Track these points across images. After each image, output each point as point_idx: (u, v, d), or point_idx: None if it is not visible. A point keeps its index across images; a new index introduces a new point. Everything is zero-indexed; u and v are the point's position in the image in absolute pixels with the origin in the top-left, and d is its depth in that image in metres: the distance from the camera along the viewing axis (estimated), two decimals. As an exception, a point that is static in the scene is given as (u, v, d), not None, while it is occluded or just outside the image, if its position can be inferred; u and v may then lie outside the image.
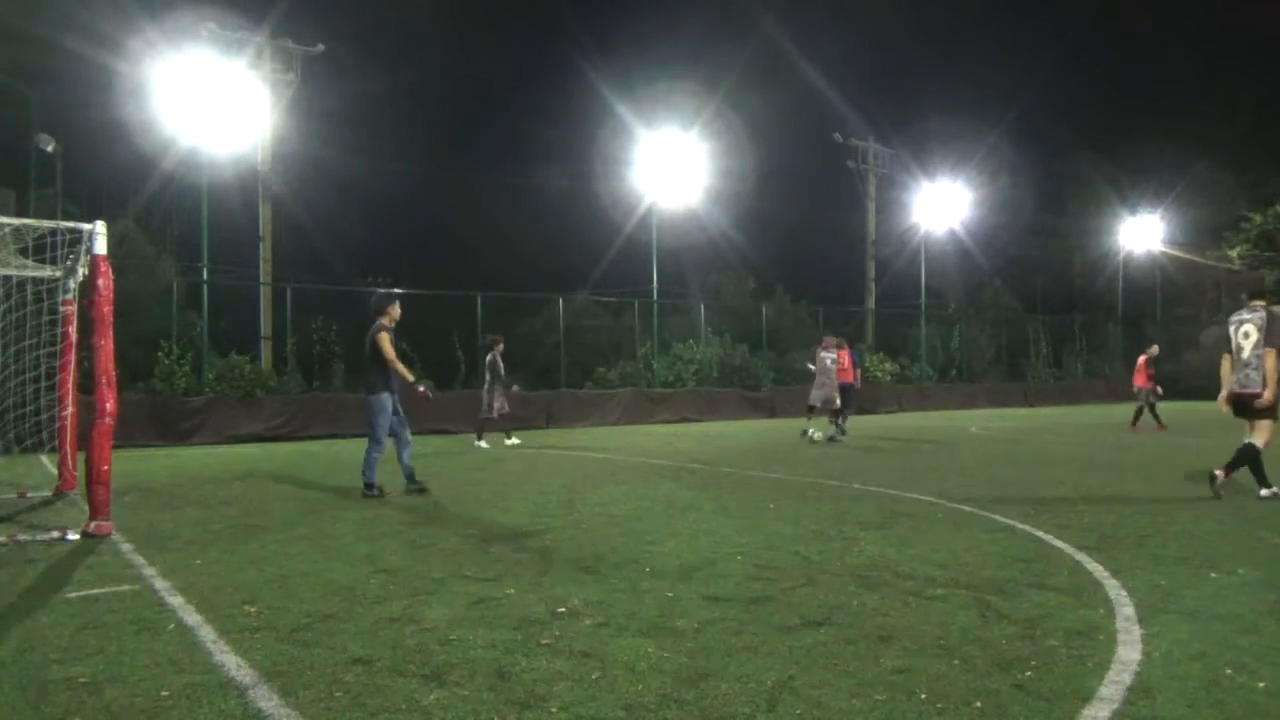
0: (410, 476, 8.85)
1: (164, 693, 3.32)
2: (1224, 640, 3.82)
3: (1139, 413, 17.31)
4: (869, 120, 34.51)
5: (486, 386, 14.74)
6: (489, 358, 14.82)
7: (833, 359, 15.22)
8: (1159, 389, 17.59)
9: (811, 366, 15.80)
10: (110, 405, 6.85)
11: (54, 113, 23.08)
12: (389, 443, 8.71)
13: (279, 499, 8.63)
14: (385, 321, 8.69)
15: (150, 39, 19.16)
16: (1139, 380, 17.55)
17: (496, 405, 14.64)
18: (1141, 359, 17.78)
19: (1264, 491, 7.83)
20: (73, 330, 8.83)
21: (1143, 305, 36.95)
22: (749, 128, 35.46)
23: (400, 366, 8.67)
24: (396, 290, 9.11)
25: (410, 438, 8.94)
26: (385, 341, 8.58)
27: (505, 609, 4.42)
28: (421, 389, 8.77)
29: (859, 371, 17.26)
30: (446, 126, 46.60)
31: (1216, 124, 38.09)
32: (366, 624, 4.19)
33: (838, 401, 15.34)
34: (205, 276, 19.19)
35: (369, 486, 8.62)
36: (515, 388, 15.88)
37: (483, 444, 14.76)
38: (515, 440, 15.30)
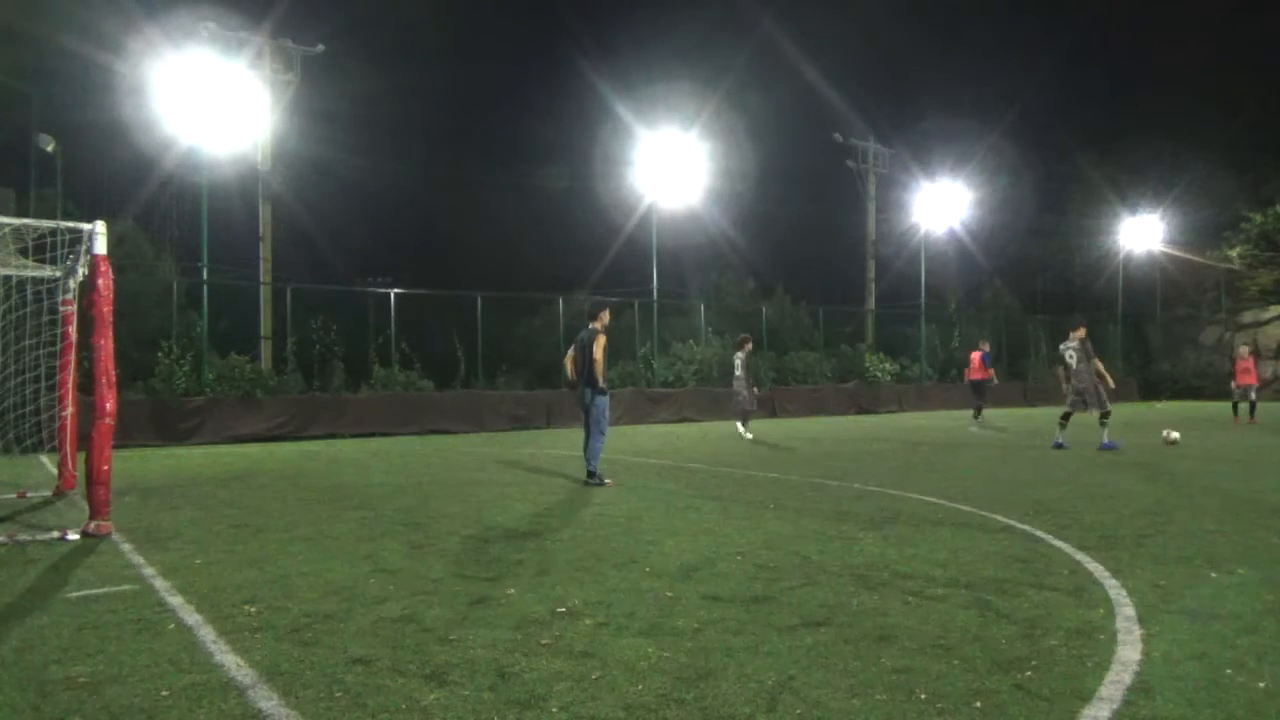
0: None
1: (164, 693, 3.32)
2: (1224, 640, 3.82)
3: (1252, 407, 18.57)
4: (869, 120, 34.40)
5: (747, 382, 16.10)
6: (744, 356, 16.06)
7: (1084, 354, 13.01)
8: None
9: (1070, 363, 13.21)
10: (110, 405, 6.85)
11: (54, 113, 23.09)
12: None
13: (279, 499, 8.63)
14: (598, 326, 9.38)
15: (150, 39, 19.16)
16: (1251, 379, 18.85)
17: (755, 398, 16.37)
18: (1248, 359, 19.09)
19: None
20: (73, 330, 8.83)
21: (1143, 305, 36.94)
22: (749, 128, 35.45)
23: (603, 371, 9.30)
24: (609, 299, 9.73)
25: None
26: (601, 347, 9.27)
27: (505, 609, 4.42)
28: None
29: (989, 372, 20.08)
30: (446, 126, 46.58)
31: (1216, 124, 38.03)
32: (366, 624, 4.19)
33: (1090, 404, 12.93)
34: (205, 276, 19.18)
35: (592, 475, 9.31)
36: (759, 389, 17.72)
37: (748, 434, 16.16)
38: (750, 435, 16.27)
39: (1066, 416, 13.06)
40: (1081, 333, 13.09)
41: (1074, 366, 12.87)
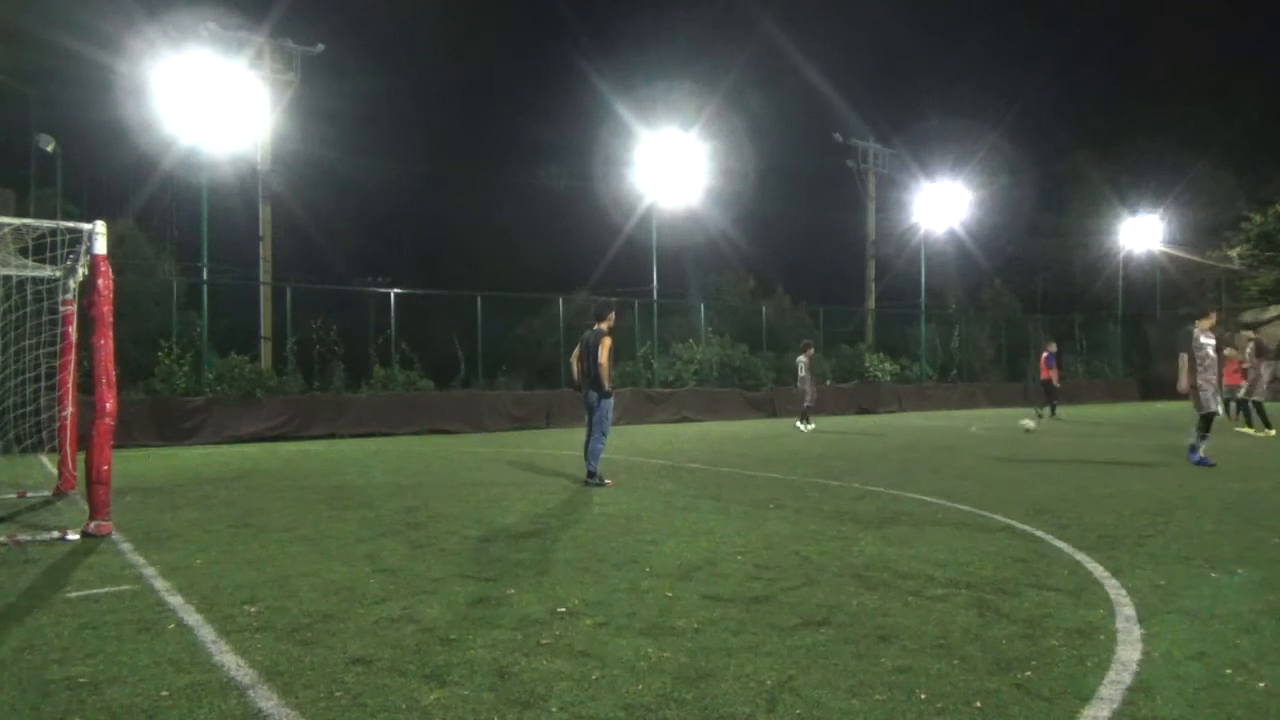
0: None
1: (164, 693, 3.32)
2: (1224, 640, 3.82)
3: (1240, 408, 18.71)
4: (869, 120, 34.36)
5: (810, 381, 18.12)
6: (807, 359, 18.04)
7: (1214, 345, 10.81)
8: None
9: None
10: (110, 405, 6.85)
11: (54, 113, 23.08)
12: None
13: (279, 499, 8.63)
14: (604, 327, 9.36)
15: (150, 39, 19.14)
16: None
17: (813, 395, 18.34)
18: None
19: None
20: (73, 330, 8.83)
21: (1143, 305, 36.90)
22: (749, 128, 35.45)
23: (609, 375, 9.31)
24: (613, 299, 9.72)
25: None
26: (607, 350, 9.27)
27: (505, 609, 4.42)
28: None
29: (1055, 372, 21.36)
30: (446, 126, 46.56)
31: (1216, 124, 38.00)
32: (366, 624, 4.19)
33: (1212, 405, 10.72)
34: (205, 276, 19.18)
35: (592, 475, 9.33)
36: (827, 381, 20.17)
37: (806, 427, 17.96)
38: (807, 427, 18.01)
39: (1210, 421, 10.58)
40: (1214, 319, 10.96)
41: (1213, 357, 10.64)
